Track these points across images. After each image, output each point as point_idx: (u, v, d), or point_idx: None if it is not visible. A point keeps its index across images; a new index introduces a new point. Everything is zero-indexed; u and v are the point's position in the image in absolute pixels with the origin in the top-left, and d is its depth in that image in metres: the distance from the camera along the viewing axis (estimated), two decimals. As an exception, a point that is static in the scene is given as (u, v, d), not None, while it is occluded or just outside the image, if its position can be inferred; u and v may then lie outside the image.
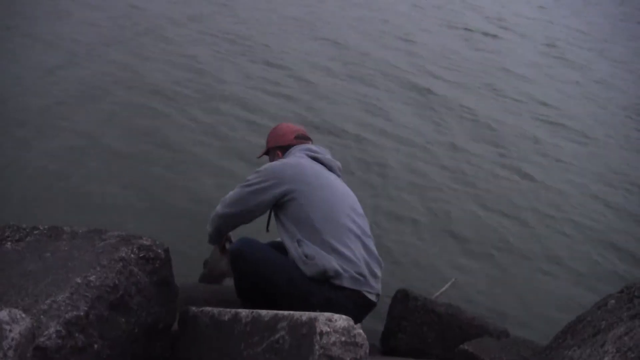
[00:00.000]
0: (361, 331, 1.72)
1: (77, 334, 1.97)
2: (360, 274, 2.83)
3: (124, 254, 2.28)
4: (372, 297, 2.89)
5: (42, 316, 1.92)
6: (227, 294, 3.37)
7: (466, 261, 5.25)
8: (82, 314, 2.00)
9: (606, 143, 9.13)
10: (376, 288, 2.91)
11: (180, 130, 6.44)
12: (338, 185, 3.09)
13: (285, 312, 1.88)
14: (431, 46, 12.10)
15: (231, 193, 3.08)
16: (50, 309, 1.95)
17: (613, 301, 2.34)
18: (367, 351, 1.72)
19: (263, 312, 1.99)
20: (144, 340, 2.33)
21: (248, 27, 10.51)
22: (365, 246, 2.95)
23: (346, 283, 2.79)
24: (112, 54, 8.11)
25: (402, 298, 3.57)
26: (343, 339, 1.67)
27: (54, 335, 1.88)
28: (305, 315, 1.76)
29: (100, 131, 6.06)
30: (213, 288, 3.49)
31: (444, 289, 4.32)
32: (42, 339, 1.85)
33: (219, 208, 3.11)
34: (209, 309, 2.42)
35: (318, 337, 1.66)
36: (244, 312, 2.10)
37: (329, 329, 1.67)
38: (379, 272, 2.96)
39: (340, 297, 2.79)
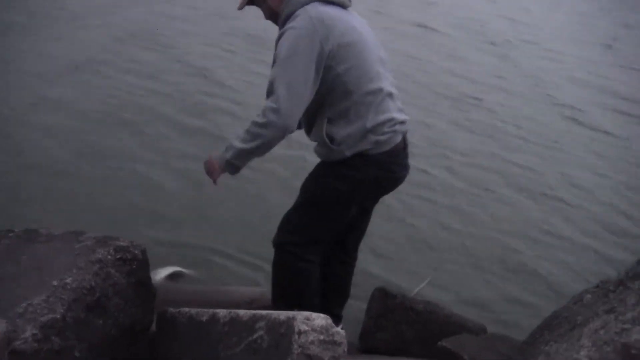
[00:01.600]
0: (340, 330, 1.73)
1: (53, 337, 1.96)
2: (391, 131, 2.55)
3: (100, 256, 2.27)
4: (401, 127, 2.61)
5: (17, 320, 1.91)
6: (205, 295, 3.36)
7: (442, 260, 5.27)
8: (58, 316, 1.99)
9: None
10: (402, 119, 2.62)
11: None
12: (367, 37, 2.57)
13: (264, 312, 1.88)
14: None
15: (276, 89, 2.36)
16: (26, 312, 1.94)
17: (589, 296, 2.38)
18: (346, 349, 1.72)
19: (241, 312, 1.99)
20: (121, 342, 2.32)
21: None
22: (391, 97, 2.59)
23: (376, 149, 2.54)
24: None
25: (381, 296, 3.58)
26: (321, 337, 1.68)
27: (30, 339, 1.87)
28: (283, 314, 1.77)
29: (99, 129, 6.02)
30: (191, 289, 3.47)
31: (419, 287, 4.33)
32: (17, 343, 1.84)
33: (272, 116, 2.35)
34: (186, 309, 2.41)
35: (296, 336, 1.66)
36: (221, 312, 2.10)
37: (307, 328, 1.68)
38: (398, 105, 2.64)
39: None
